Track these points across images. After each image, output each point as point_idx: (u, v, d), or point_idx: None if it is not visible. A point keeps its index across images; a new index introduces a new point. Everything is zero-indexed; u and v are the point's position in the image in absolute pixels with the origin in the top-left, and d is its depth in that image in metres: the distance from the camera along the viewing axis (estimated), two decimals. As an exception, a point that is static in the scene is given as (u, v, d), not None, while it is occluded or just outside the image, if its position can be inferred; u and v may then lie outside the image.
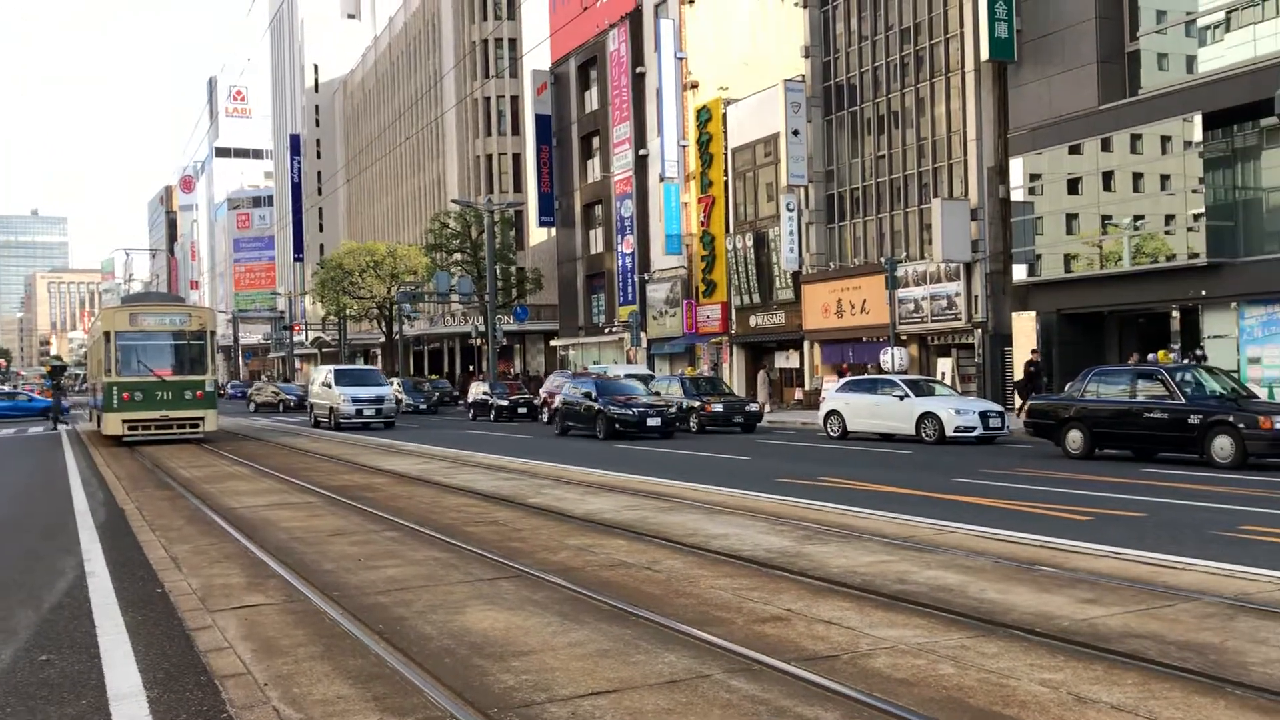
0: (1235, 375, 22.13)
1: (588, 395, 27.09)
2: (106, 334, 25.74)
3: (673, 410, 26.58)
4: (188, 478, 17.33)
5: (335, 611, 7.12)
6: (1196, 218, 25.41)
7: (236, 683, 5.54)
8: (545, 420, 34.72)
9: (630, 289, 49.04)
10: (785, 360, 41.23)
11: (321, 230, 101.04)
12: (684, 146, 44.54)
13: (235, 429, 33.20)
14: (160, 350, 25.99)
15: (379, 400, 33.54)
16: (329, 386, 34.45)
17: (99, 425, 27.77)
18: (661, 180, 45.02)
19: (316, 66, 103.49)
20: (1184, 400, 16.90)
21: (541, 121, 58.01)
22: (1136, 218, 27.38)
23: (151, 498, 14.53)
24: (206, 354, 26.48)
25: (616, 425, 25.70)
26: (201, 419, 25.97)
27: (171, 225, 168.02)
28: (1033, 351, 28.39)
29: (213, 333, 27.19)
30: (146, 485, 16.37)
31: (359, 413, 33.02)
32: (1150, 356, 22.58)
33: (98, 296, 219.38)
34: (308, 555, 9.44)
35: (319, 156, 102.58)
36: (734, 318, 42.41)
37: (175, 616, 7.15)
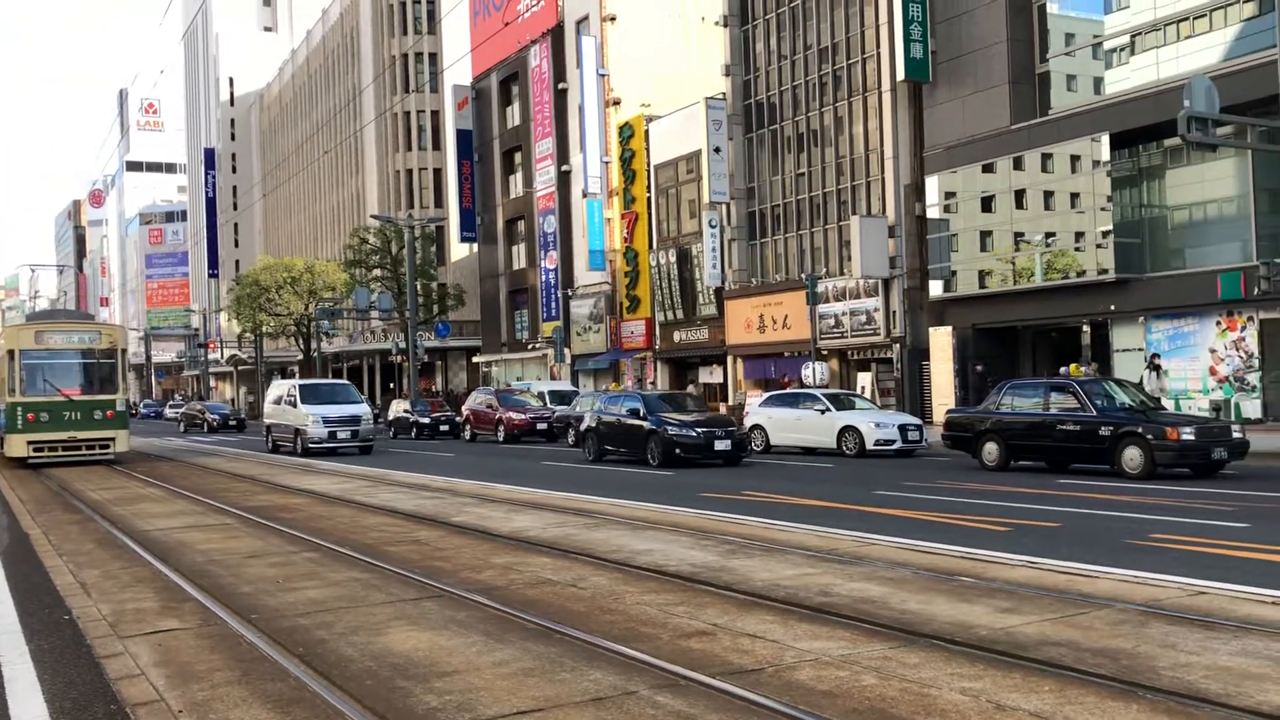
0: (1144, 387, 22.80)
1: (634, 413, 22.65)
2: (10, 352, 24.93)
3: (742, 431, 23.18)
4: (97, 500, 16.82)
5: (253, 635, 6.96)
6: (1105, 235, 26.19)
7: (149, 710, 5.38)
8: (468, 439, 34.50)
9: (554, 305, 48.95)
10: (709, 375, 41.48)
11: (237, 246, 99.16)
12: (607, 163, 44.67)
13: (149, 449, 32.34)
14: (68, 369, 25.25)
15: (354, 421, 28.59)
16: (293, 405, 29.34)
17: (2, 448, 26.87)
18: (584, 196, 45.07)
19: (232, 79, 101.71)
20: (1095, 412, 17.34)
21: (463, 137, 57.75)
22: (1048, 235, 28.12)
23: (59, 521, 14.05)
24: (117, 373, 25.78)
25: (677, 450, 21.22)
26: (112, 440, 25.25)
27: (80, 240, 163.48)
28: (976, 364, 29.02)
29: (124, 351, 26.45)
30: (53, 508, 15.84)
31: (331, 435, 28.12)
32: (1062, 370, 23.16)
33: (1, 314, 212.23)
34: (224, 578, 9.22)
35: (235, 171, 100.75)
36: (658, 333, 42.57)
37: (84, 643, 6.92)
